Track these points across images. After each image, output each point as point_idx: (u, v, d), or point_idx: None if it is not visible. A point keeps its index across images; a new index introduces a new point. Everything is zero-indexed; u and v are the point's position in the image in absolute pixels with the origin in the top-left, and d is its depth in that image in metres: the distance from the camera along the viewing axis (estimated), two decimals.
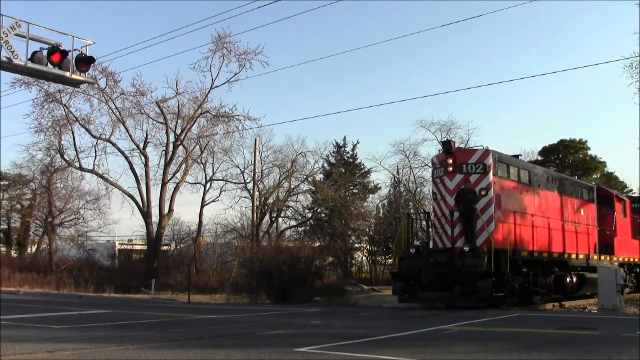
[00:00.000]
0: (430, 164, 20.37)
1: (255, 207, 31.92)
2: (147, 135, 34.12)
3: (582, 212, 22.15)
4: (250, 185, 33.74)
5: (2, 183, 41.61)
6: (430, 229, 18.83)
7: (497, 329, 11.02)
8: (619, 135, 74.15)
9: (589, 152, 47.12)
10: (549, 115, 77.63)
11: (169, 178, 33.77)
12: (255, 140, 32.92)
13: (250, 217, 32.75)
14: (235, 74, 32.34)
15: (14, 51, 13.81)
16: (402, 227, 19.02)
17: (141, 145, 33.84)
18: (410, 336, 9.88)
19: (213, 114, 33.30)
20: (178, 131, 33.48)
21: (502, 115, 78.49)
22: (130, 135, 33.57)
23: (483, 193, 16.55)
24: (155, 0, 76.54)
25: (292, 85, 79.96)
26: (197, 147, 34.41)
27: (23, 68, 14.34)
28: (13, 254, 42.43)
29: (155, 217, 33.75)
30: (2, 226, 43.15)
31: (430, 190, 20.34)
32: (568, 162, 46.85)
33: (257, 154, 32.83)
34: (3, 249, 43.88)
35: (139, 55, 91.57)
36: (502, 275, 15.86)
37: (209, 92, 32.90)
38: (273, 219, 36.53)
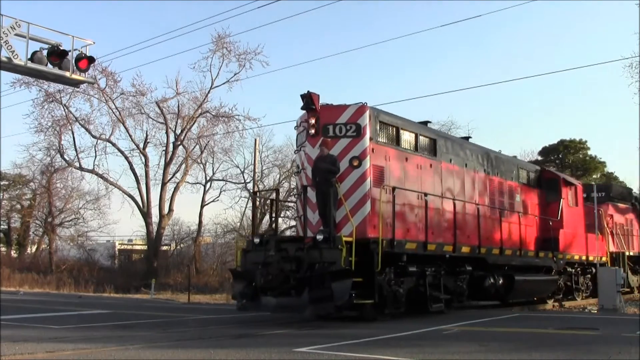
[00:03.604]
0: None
1: (255, 207, 31.92)
2: (147, 135, 34.23)
3: (517, 198, 18.01)
4: (250, 185, 33.78)
5: (2, 183, 41.67)
6: (275, 213, 15.23)
7: (497, 329, 11.02)
8: (619, 135, 74.26)
9: (589, 152, 47.27)
10: (549, 115, 77.68)
11: (169, 178, 33.81)
12: (255, 140, 32.85)
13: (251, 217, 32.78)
14: (235, 74, 32.43)
15: (14, 51, 13.82)
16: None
17: (141, 145, 33.91)
18: (410, 336, 9.87)
19: (213, 114, 33.36)
20: (178, 131, 33.53)
21: (502, 115, 78.51)
22: (130, 135, 33.66)
23: (355, 163, 12.45)
24: (155, 0, 76.55)
25: (292, 85, 79.94)
26: (197, 147, 34.48)
27: (23, 68, 14.36)
28: (13, 254, 42.48)
29: (155, 217, 33.80)
30: (2, 226, 43.26)
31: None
32: (568, 162, 46.95)
33: (257, 154, 32.82)
34: (3, 249, 43.93)
35: (139, 55, 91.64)
36: (372, 275, 11.66)
37: (209, 92, 32.98)
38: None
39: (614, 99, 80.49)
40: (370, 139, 12.65)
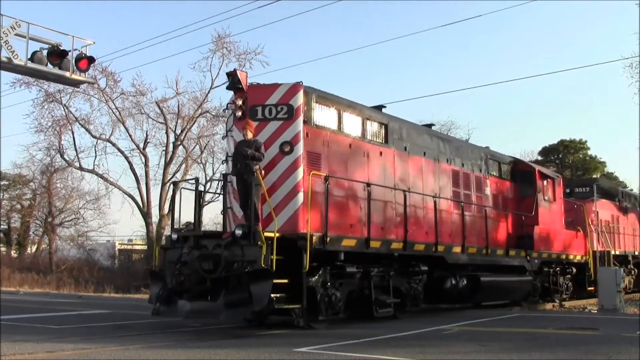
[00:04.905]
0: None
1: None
2: (147, 135, 34.19)
3: (487, 192, 16.49)
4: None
5: (2, 183, 41.67)
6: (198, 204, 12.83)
7: (498, 329, 11.02)
8: (619, 135, 74.32)
9: (589, 152, 47.36)
10: (549, 115, 77.71)
11: (169, 178, 33.80)
12: None
13: None
14: None
15: (14, 51, 13.86)
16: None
17: (141, 145, 33.88)
18: (410, 336, 9.87)
19: (213, 114, 33.33)
20: (178, 131, 33.52)
21: (502, 115, 78.51)
22: (130, 135, 33.64)
23: (286, 149, 11.04)
24: (155, 0, 76.56)
25: None
26: (197, 147, 34.46)
27: (23, 68, 14.40)
28: (13, 254, 42.49)
29: (155, 217, 33.79)
30: (2, 226, 43.24)
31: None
32: (568, 162, 47.03)
33: None
34: (3, 249, 43.95)
35: (139, 55, 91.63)
36: (301, 276, 10.23)
37: (209, 92, 32.93)
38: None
39: (614, 99, 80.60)
40: (305, 121, 11.20)
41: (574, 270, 19.99)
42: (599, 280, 18.15)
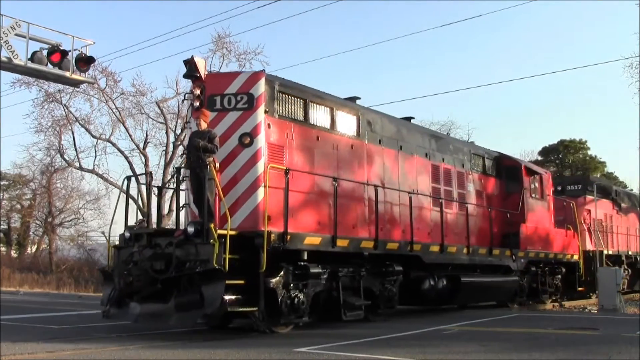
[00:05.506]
0: None
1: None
2: (147, 135, 34.19)
3: (470, 188, 15.75)
4: None
5: (2, 183, 41.69)
6: (155, 200, 12.53)
7: (498, 329, 11.03)
8: (619, 135, 74.34)
9: (589, 152, 47.38)
10: (549, 115, 77.73)
11: (169, 178, 33.81)
12: None
13: None
14: None
15: (14, 51, 13.88)
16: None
17: (141, 145, 33.87)
18: (410, 336, 9.88)
19: None
20: (178, 131, 33.53)
21: (502, 115, 78.50)
22: (130, 135, 33.62)
23: (245, 141, 10.34)
24: (155, 0, 76.53)
25: None
26: None
27: (23, 68, 14.43)
28: (13, 254, 42.51)
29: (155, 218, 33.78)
30: (2, 226, 43.25)
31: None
32: (568, 162, 47.05)
33: None
34: (3, 249, 43.97)
35: (139, 55, 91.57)
36: (258, 277, 9.59)
37: None
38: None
39: (613, 99, 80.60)
40: (266, 111, 10.51)
41: (564, 270, 19.36)
42: (598, 280, 18.15)
